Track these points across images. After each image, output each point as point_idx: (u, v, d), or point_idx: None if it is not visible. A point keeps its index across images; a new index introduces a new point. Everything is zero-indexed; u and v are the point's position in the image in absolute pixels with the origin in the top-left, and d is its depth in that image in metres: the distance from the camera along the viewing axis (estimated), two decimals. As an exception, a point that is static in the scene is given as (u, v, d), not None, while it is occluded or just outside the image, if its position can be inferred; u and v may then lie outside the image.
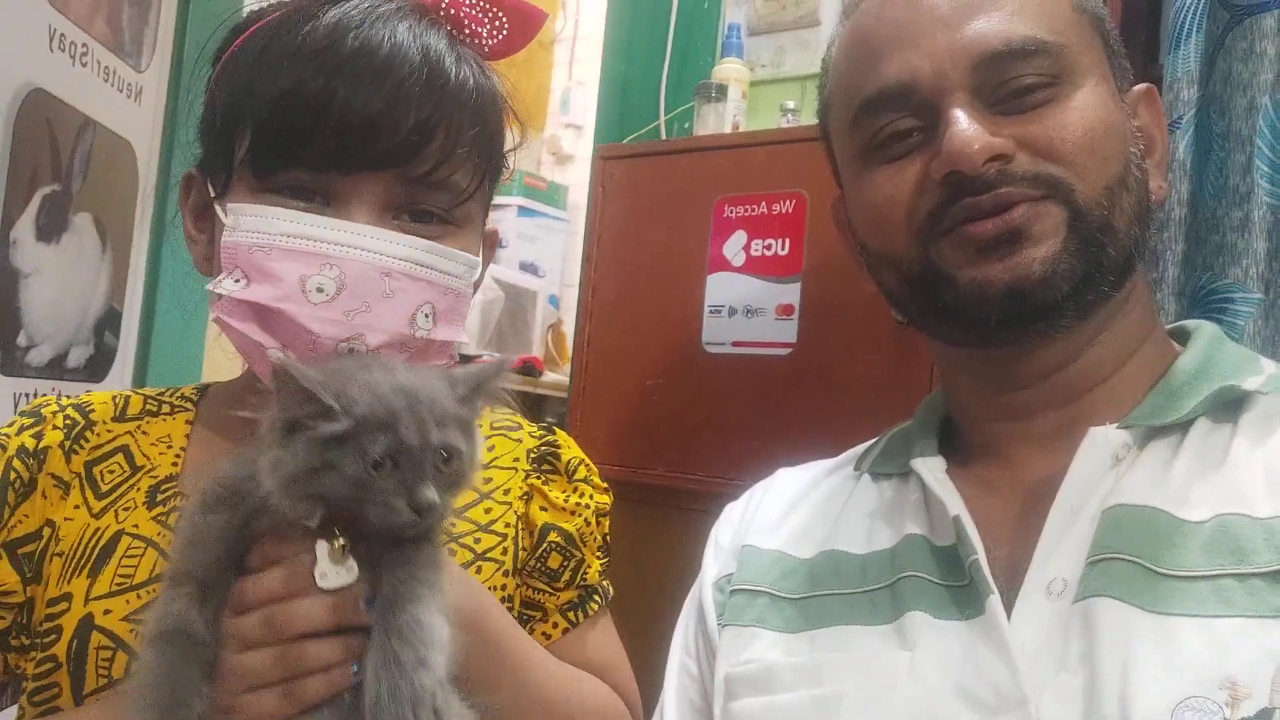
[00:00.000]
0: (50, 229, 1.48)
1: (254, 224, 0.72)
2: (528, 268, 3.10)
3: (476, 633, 0.68)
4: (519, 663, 0.76)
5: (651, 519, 1.36)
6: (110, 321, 1.68)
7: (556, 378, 2.82)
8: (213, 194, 0.77)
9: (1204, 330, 0.78)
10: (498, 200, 0.83)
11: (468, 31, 0.80)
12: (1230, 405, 0.70)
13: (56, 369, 1.53)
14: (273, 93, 0.72)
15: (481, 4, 0.80)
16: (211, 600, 0.64)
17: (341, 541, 0.63)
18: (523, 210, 3.10)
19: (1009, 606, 0.67)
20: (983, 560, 0.69)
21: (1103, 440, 0.70)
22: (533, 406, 2.77)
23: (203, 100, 0.81)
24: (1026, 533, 0.70)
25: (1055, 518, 0.68)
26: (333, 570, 0.63)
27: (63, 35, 1.46)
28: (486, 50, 0.82)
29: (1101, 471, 0.69)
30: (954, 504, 0.73)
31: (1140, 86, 0.80)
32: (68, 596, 0.75)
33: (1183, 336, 0.80)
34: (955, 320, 0.75)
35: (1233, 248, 1.08)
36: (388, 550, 0.65)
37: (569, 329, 2.93)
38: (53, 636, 0.74)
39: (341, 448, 0.61)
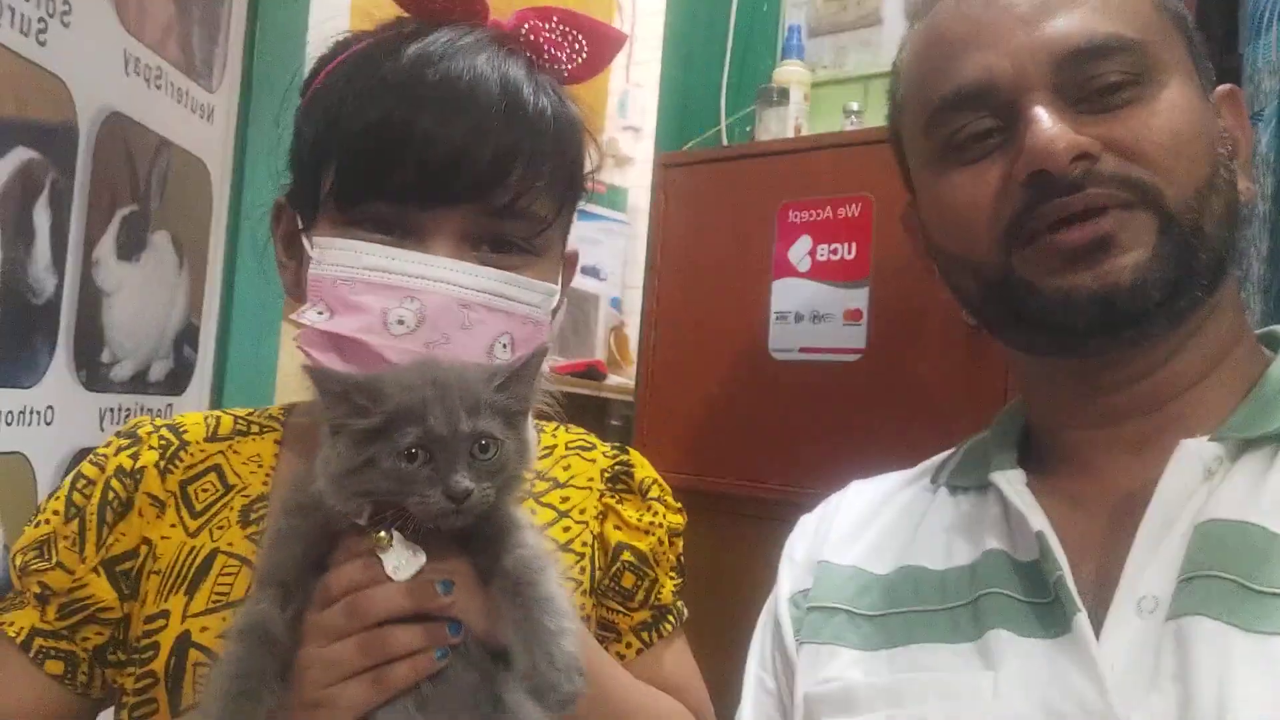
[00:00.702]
0: (130, 248, 1.53)
1: (338, 257, 0.74)
2: (589, 271, 3.11)
3: None
4: (596, 676, 0.76)
5: (721, 528, 1.36)
6: (188, 336, 1.73)
7: (620, 381, 2.82)
8: (300, 225, 0.80)
9: None
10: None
11: (547, 57, 0.81)
12: None
13: (139, 383, 1.58)
14: (356, 126, 0.74)
15: (561, 28, 0.81)
16: (294, 602, 0.67)
17: (384, 535, 0.65)
18: (583, 214, 3.09)
19: (1096, 625, 0.65)
20: (1068, 576, 0.67)
21: (1195, 453, 0.68)
22: (597, 410, 2.77)
23: (292, 132, 0.83)
24: (1114, 548, 0.68)
25: (1145, 533, 0.66)
26: (400, 560, 0.65)
27: (137, 59, 1.50)
28: (566, 74, 0.82)
29: (1193, 485, 0.67)
30: (1037, 519, 0.71)
31: (1224, 87, 0.77)
32: (165, 614, 0.77)
33: (1273, 342, 0.77)
34: (1039, 328, 0.73)
35: (1320, 243, 1.04)
36: (462, 535, 0.67)
37: (631, 332, 2.94)
38: (150, 653, 0.76)
39: (377, 442, 0.63)
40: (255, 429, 0.88)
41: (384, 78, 0.75)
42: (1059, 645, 0.66)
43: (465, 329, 0.74)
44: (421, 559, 0.66)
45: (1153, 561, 0.65)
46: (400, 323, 0.73)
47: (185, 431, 0.86)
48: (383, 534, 0.65)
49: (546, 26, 0.80)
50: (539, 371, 0.68)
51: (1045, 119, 0.69)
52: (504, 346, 0.76)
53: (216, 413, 0.89)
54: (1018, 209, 0.71)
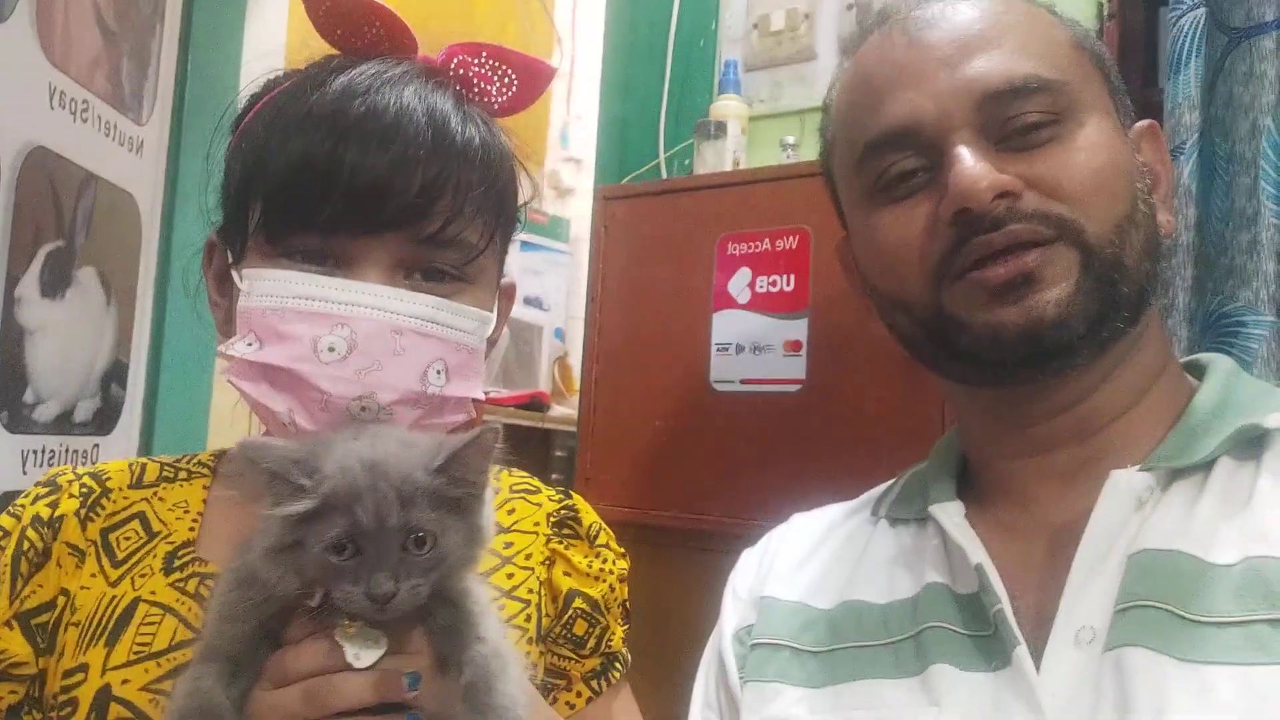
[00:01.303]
0: (54, 285, 1.48)
1: (267, 288, 0.73)
2: (532, 302, 3.10)
3: None
4: None
5: (663, 560, 1.35)
6: (117, 374, 1.68)
7: (564, 411, 2.81)
8: (230, 260, 0.78)
9: (1219, 365, 0.77)
10: (499, 237, 0.86)
11: (476, 91, 0.81)
12: (1252, 443, 0.69)
13: (64, 424, 1.53)
14: (282, 160, 0.74)
15: (490, 63, 0.81)
16: (242, 678, 0.63)
17: (348, 623, 0.62)
18: (525, 245, 3.10)
19: (1036, 656, 0.65)
20: (1008, 609, 0.68)
21: (1125, 484, 0.69)
22: (541, 441, 2.76)
23: (222, 169, 0.82)
24: (1051, 579, 0.69)
25: (1080, 564, 0.67)
26: (360, 647, 0.62)
27: (63, 92, 1.47)
28: (496, 107, 0.83)
29: (1125, 516, 0.68)
30: (975, 551, 0.72)
31: (1142, 123, 0.80)
32: (84, 667, 0.74)
33: (1197, 370, 0.79)
34: (970, 362, 0.75)
35: (1242, 270, 1.08)
36: (424, 617, 0.64)
37: (575, 361, 2.93)
38: (69, 709, 0.73)
39: (309, 524, 0.60)
40: (183, 475, 0.86)
41: (310, 111, 0.74)
42: (1000, 678, 0.66)
43: (397, 355, 0.73)
44: (383, 647, 0.63)
45: (1088, 592, 0.66)
46: (331, 350, 0.72)
47: (109, 479, 0.83)
48: (347, 622, 0.62)
49: (475, 61, 0.81)
50: (490, 452, 0.65)
51: (968, 158, 0.71)
52: (438, 373, 0.75)
53: (142, 459, 0.87)
54: (945, 248, 0.73)
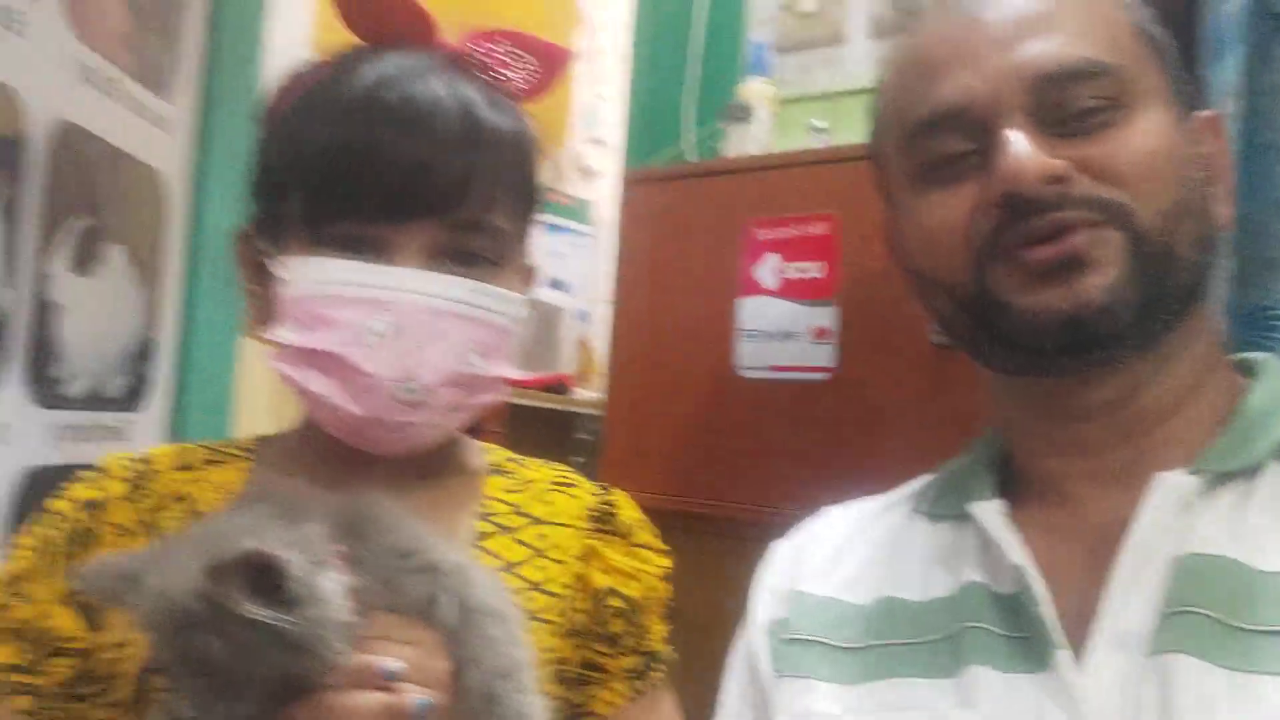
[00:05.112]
0: (84, 261, 1.49)
1: (310, 275, 0.76)
2: (557, 284, 3.10)
3: None
4: None
5: (688, 547, 1.34)
6: (146, 351, 1.69)
7: (588, 395, 2.81)
8: (267, 250, 0.80)
9: (1272, 365, 0.75)
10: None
11: (498, 77, 0.84)
12: None
13: (94, 400, 1.54)
14: (319, 150, 0.76)
15: (510, 50, 0.84)
16: None
17: None
18: (549, 227, 3.09)
19: (1077, 660, 0.64)
20: (1048, 611, 0.67)
21: (1171, 486, 0.67)
22: (563, 424, 2.76)
23: (253, 159, 0.83)
24: (1093, 581, 0.67)
25: (1124, 567, 0.66)
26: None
27: (92, 69, 1.47)
28: (518, 93, 0.85)
29: (1170, 518, 0.67)
30: (1015, 551, 0.71)
31: (1205, 112, 0.78)
32: (129, 641, 0.76)
33: (1247, 369, 0.77)
34: (1011, 347, 0.73)
35: (1282, 264, 1.05)
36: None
37: (598, 344, 2.92)
38: (116, 681, 0.76)
39: None
40: (225, 458, 0.88)
41: (344, 102, 0.77)
42: (1039, 681, 0.65)
43: (438, 337, 0.76)
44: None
45: (1132, 596, 0.65)
46: (375, 333, 0.74)
47: (155, 463, 0.86)
48: None
49: (496, 48, 0.84)
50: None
51: (1019, 141, 0.69)
52: (476, 354, 0.78)
53: (188, 445, 0.89)
54: (989, 229, 0.71)
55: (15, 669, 0.78)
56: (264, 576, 0.59)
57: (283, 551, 0.59)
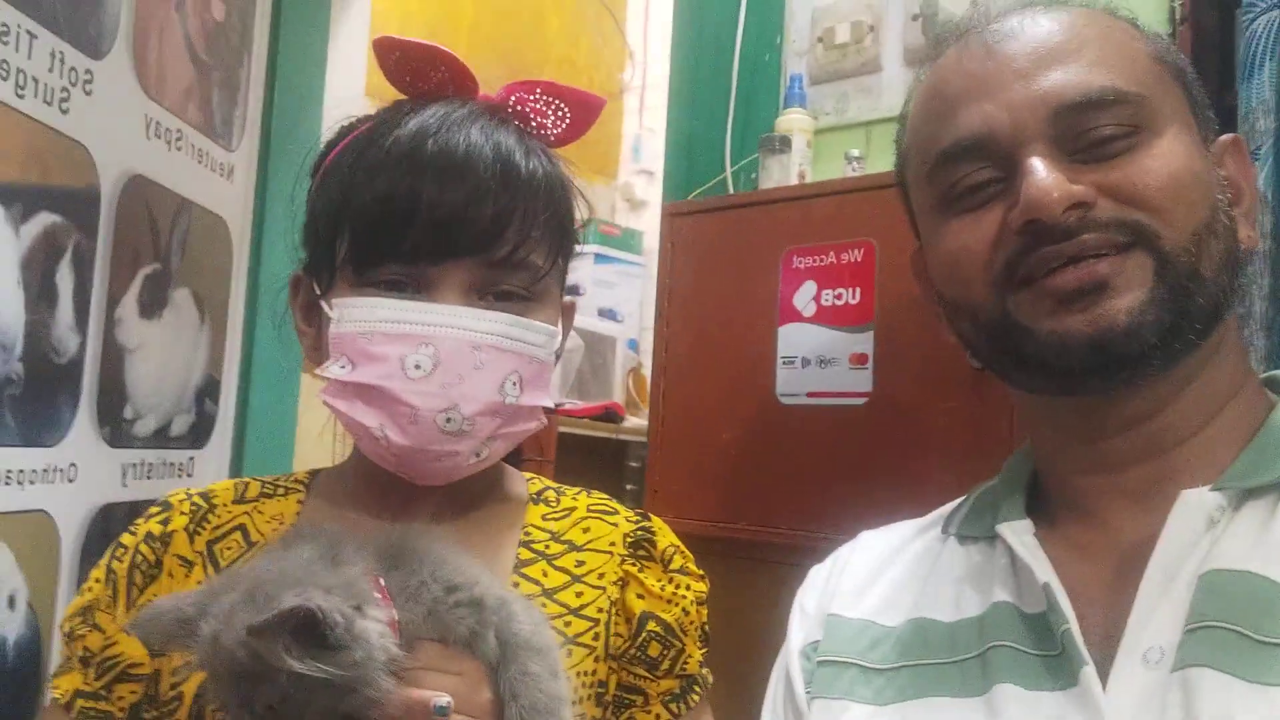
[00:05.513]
0: (152, 306, 1.56)
1: (356, 314, 0.81)
2: (606, 314, 3.13)
3: None
4: None
5: (731, 573, 1.36)
6: (210, 390, 1.76)
7: (638, 422, 2.82)
8: (318, 292, 0.85)
9: None
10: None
11: (534, 124, 0.89)
12: None
13: (161, 438, 1.61)
14: (367, 198, 0.81)
15: (545, 98, 0.89)
16: None
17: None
18: (599, 257, 3.14)
19: (1103, 676, 0.65)
20: (1075, 629, 0.67)
21: (1196, 503, 0.68)
22: (615, 452, 2.78)
23: (305, 208, 0.89)
24: (1120, 599, 0.68)
25: (1149, 584, 0.67)
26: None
27: (158, 123, 1.55)
28: (552, 139, 0.90)
29: (1196, 535, 0.67)
30: (1043, 570, 0.71)
31: (1226, 136, 0.78)
32: (188, 665, 0.79)
33: (1276, 386, 0.77)
34: (1037, 370, 0.74)
35: (1320, 279, 1.05)
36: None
37: (648, 372, 2.94)
38: (176, 704, 0.81)
39: None
40: (281, 491, 0.93)
41: (389, 152, 0.82)
42: (1067, 698, 0.66)
43: (477, 369, 0.80)
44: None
45: (1157, 613, 0.65)
46: (418, 367, 0.79)
47: (215, 496, 0.91)
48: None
49: (531, 97, 0.89)
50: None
51: (1041, 169, 0.70)
52: (514, 385, 0.82)
53: (246, 479, 0.94)
54: (1012, 254, 0.73)
55: (84, 695, 0.82)
56: (307, 627, 0.62)
57: (324, 601, 0.63)
